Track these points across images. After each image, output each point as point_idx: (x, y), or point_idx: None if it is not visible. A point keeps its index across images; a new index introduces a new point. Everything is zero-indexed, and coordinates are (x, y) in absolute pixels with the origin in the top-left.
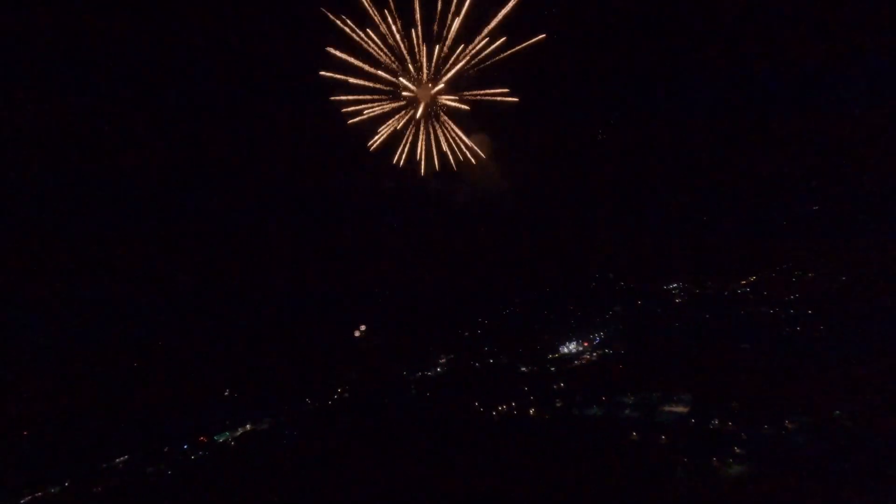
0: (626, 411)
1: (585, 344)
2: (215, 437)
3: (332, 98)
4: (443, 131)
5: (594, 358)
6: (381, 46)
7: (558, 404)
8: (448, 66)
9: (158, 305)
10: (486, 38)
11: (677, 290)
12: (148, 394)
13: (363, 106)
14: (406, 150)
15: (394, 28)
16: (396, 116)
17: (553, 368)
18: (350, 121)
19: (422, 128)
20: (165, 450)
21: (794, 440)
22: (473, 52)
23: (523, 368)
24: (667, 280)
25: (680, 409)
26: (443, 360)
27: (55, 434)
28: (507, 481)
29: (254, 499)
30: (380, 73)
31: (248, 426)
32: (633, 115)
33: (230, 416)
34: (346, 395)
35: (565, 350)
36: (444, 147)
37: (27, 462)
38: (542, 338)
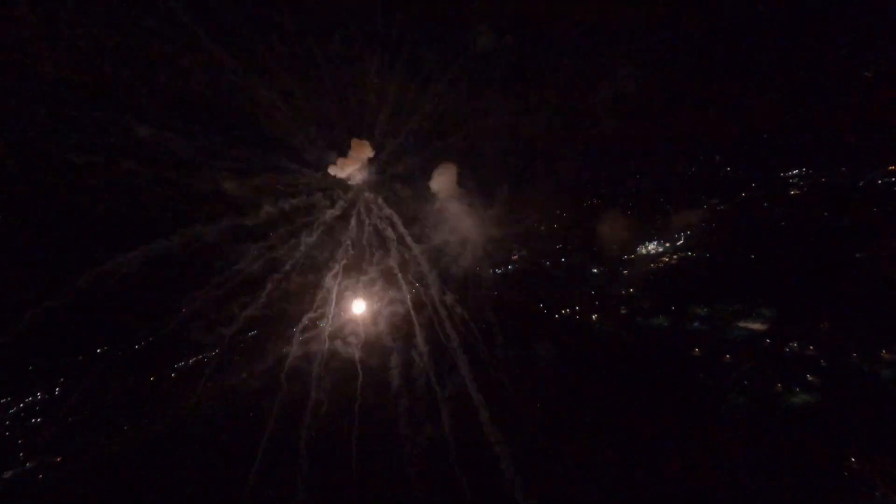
0: (696, 324)
1: (668, 244)
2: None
3: None
4: None
5: (674, 261)
6: None
7: (623, 311)
8: None
9: None
10: None
11: (797, 179)
12: None
13: None
14: None
15: None
16: None
17: (626, 271)
18: None
19: None
20: None
21: (885, 373)
22: None
23: (594, 270)
24: (787, 165)
25: (757, 325)
26: (515, 257)
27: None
28: (554, 388)
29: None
30: None
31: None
32: None
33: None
34: (423, 288)
35: (643, 250)
36: None
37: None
38: (620, 235)
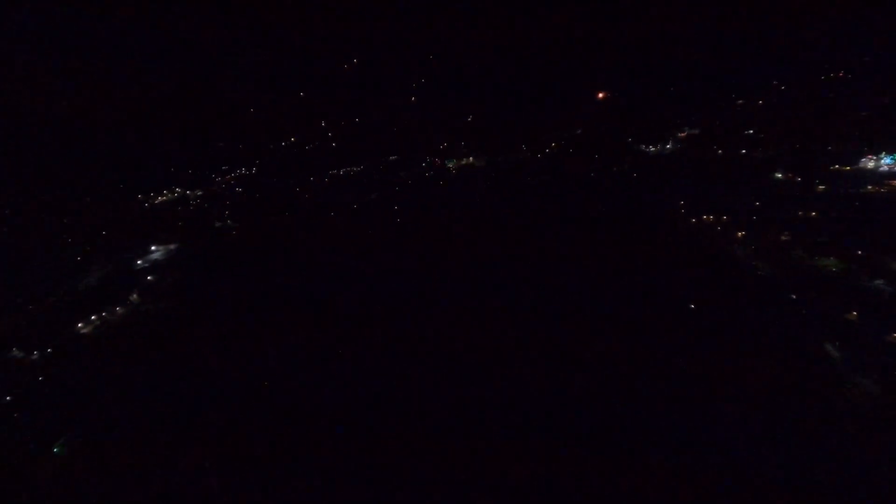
0: (878, 281)
1: None
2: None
3: None
4: None
5: None
6: None
7: (784, 237)
8: None
9: None
10: None
11: None
12: None
13: None
14: None
15: None
16: None
17: (823, 187)
18: None
19: None
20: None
21: None
22: None
23: (778, 175)
24: None
25: None
26: (683, 135)
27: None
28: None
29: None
30: None
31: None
32: None
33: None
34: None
35: (864, 164)
36: None
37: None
38: (845, 141)
